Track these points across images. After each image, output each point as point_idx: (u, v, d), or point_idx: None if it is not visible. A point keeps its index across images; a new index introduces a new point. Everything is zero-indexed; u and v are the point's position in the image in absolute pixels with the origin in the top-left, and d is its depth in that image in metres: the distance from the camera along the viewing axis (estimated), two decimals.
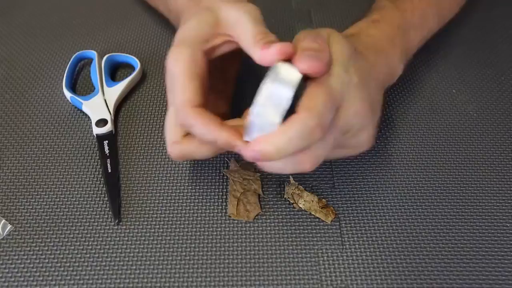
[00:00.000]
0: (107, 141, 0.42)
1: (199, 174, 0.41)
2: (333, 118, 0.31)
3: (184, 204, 0.39)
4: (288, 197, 0.39)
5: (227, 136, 0.31)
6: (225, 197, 0.39)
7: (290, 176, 0.40)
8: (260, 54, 0.31)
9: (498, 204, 0.39)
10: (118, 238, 0.36)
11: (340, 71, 0.31)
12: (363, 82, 0.33)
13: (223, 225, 0.37)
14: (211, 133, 0.31)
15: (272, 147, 0.29)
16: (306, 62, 0.29)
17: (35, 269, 0.35)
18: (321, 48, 0.31)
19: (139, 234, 0.37)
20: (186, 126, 0.33)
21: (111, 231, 0.37)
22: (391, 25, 0.40)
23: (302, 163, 0.31)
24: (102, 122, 0.43)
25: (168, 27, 0.51)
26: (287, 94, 0.29)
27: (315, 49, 0.30)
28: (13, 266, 0.35)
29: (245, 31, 0.33)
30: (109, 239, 0.36)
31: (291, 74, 0.29)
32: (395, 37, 0.40)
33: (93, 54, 0.49)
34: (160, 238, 0.37)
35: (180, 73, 0.32)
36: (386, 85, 0.40)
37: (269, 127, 0.29)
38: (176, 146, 0.34)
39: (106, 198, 0.39)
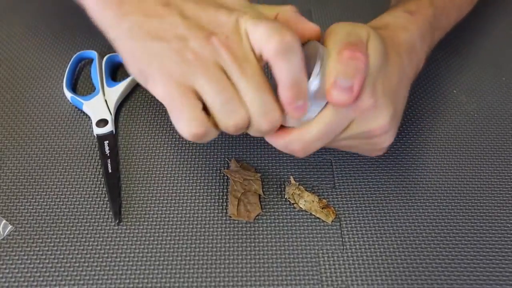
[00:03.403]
0: (107, 141, 0.42)
1: (199, 174, 0.41)
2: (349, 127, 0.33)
3: (185, 204, 0.39)
4: (289, 197, 0.39)
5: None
6: (225, 197, 0.39)
7: (291, 177, 0.40)
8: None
9: (498, 205, 0.39)
10: (118, 238, 0.36)
11: (371, 78, 0.32)
12: (389, 99, 0.33)
13: (224, 225, 0.37)
14: (302, 73, 0.30)
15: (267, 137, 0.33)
16: (338, 95, 0.30)
17: (35, 269, 0.35)
18: (357, 72, 0.30)
19: (140, 235, 0.37)
20: (287, 45, 0.29)
21: (111, 231, 0.37)
22: (424, 20, 0.40)
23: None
24: (102, 122, 0.43)
25: None
26: (322, 104, 0.31)
27: (350, 77, 0.30)
28: (14, 266, 0.35)
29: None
30: (110, 239, 0.36)
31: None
32: (426, 33, 0.39)
33: (94, 54, 0.49)
34: (161, 238, 0.37)
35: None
36: (411, 82, 0.38)
37: (293, 124, 0.32)
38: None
39: (107, 198, 0.39)
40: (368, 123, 0.33)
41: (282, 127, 0.32)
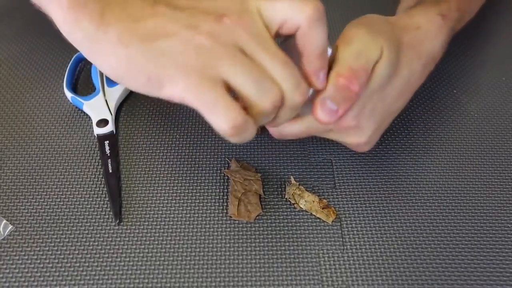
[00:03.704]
0: (108, 141, 0.42)
1: (200, 174, 0.40)
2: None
3: (185, 204, 0.39)
4: (289, 198, 0.39)
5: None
6: (226, 197, 0.39)
7: (291, 177, 0.40)
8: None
9: (499, 205, 0.39)
10: (118, 238, 0.36)
11: (362, 101, 0.33)
12: (375, 120, 0.34)
13: (224, 226, 0.37)
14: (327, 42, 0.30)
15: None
16: (321, 115, 0.31)
17: (36, 269, 0.35)
18: (346, 100, 0.31)
19: (140, 234, 0.37)
20: (316, 39, 0.29)
21: (111, 231, 0.37)
22: (450, 24, 0.39)
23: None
24: (103, 122, 0.43)
25: None
26: None
27: (338, 102, 0.31)
28: (14, 266, 0.35)
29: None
30: (110, 239, 0.36)
31: None
32: (447, 40, 0.39)
33: None
34: (161, 238, 0.37)
35: None
36: (416, 88, 0.39)
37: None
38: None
39: (107, 198, 0.39)
40: (345, 137, 0.35)
41: None
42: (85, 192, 0.39)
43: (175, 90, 0.27)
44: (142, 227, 0.37)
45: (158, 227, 0.37)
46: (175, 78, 0.27)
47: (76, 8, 0.29)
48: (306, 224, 0.37)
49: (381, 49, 0.32)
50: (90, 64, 0.50)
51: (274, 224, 0.37)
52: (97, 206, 0.38)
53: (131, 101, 0.47)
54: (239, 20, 0.28)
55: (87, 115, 0.45)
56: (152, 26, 0.28)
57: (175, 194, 0.39)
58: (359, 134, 0.34)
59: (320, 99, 0.31)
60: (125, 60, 0.28)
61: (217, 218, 0.38)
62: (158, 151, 0.42)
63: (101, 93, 0.45)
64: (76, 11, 0.29)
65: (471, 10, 0.46)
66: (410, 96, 0.37)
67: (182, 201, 0.39)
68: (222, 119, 0.27)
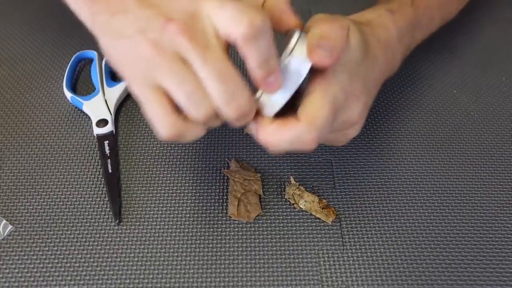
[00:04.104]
0: (107, 141, 0.42)
1: (199, 175, 0.40)
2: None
3: (185, 205, 0.39)
4: (289, 198, 0.39)
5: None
6: (225, 197, 0.39)
7: (291, 177, 0.40)
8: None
9: (499, 205, 0.39)
10: (118, 239, 0.36)
11: (345, 80, 0.31)
12: (364, 91, 0.33)
13: (224, 226, 0.37)
14: (271, 51, 0.28)
15: (263, 138, 0.30)
16: (318, 56, 0.29)
17: (35, 270, 0.35)
18: (337, 40, 0.30)
19: (140, 235, 0.37)
20: (257, 28, 0.27)
21: (111, 231, 0.37)
22: (404, 20, 0.40)
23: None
24: (102, 122, 0.43)
25: None
26: (295, 83, 0.30)
27: (331, 39, 0.29)
28: (14, 266, 0.35)
29: None
30: (110, 239, 0.36)
31: (302, 64, 0.29)
32: (405, 33, 0.40)
33: (94, 54, 0.49)
34: (161, 238, 0.37)
35: None
36: (383, 81, 0.39)
37: (270, 109, 0.30)
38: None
39: (107, 199, 0.39)
40: (346, 115, 0.32)
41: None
42: (85, 192, 0.39)
43: (133, 92, 0.29)
44: (142, 227, 0.37)
45: (158, 227, 0.37)
46: (127, 80, 0.30)
47: None
48: (306, 224, 0.37)
49: (348, 24, 0.32)
50: (90, 64, 0.50)
51: (274, 224, 0.37)
52: (97, 206, 0.38)
53: (131, 101, 0.47)
54: (184, 27, 0.27)
55: (86, 115, 0.45)
56: (120, 23, 0.29)
57: (175, 194, 0.39)
58: (355, 104, 0.33)
59: (315, 42, 0.29)
60: (105, 49, 0.31)
61: (217, 218, 0.38)
62: (158, 151, 0.42)
63: (100, 93, 0.45)
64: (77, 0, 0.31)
65: (440, 4, 0.46)
66: (380, 84, 0.37)
67: (182, 201, 0.39)
68: (160, 130, 0.29)
